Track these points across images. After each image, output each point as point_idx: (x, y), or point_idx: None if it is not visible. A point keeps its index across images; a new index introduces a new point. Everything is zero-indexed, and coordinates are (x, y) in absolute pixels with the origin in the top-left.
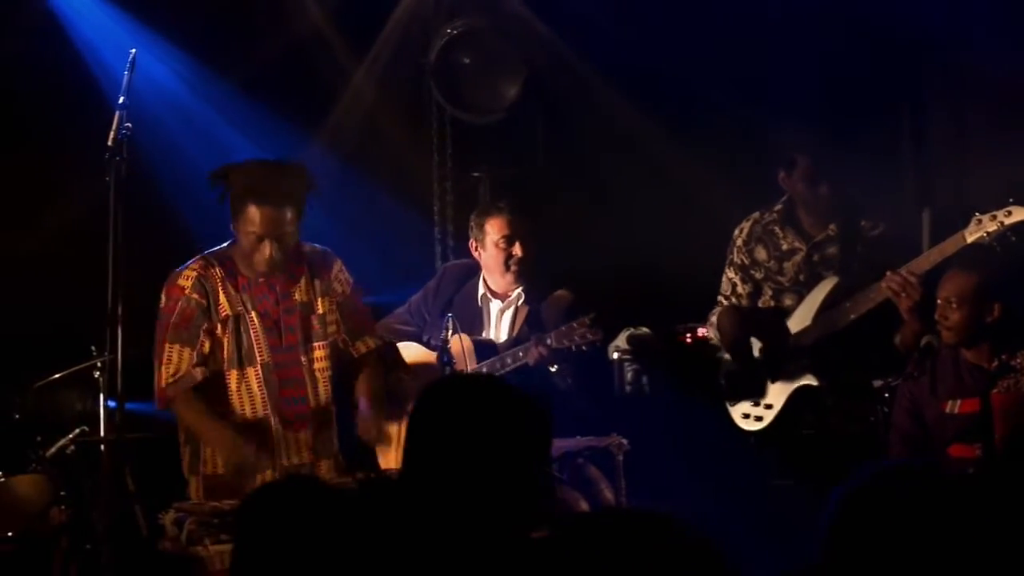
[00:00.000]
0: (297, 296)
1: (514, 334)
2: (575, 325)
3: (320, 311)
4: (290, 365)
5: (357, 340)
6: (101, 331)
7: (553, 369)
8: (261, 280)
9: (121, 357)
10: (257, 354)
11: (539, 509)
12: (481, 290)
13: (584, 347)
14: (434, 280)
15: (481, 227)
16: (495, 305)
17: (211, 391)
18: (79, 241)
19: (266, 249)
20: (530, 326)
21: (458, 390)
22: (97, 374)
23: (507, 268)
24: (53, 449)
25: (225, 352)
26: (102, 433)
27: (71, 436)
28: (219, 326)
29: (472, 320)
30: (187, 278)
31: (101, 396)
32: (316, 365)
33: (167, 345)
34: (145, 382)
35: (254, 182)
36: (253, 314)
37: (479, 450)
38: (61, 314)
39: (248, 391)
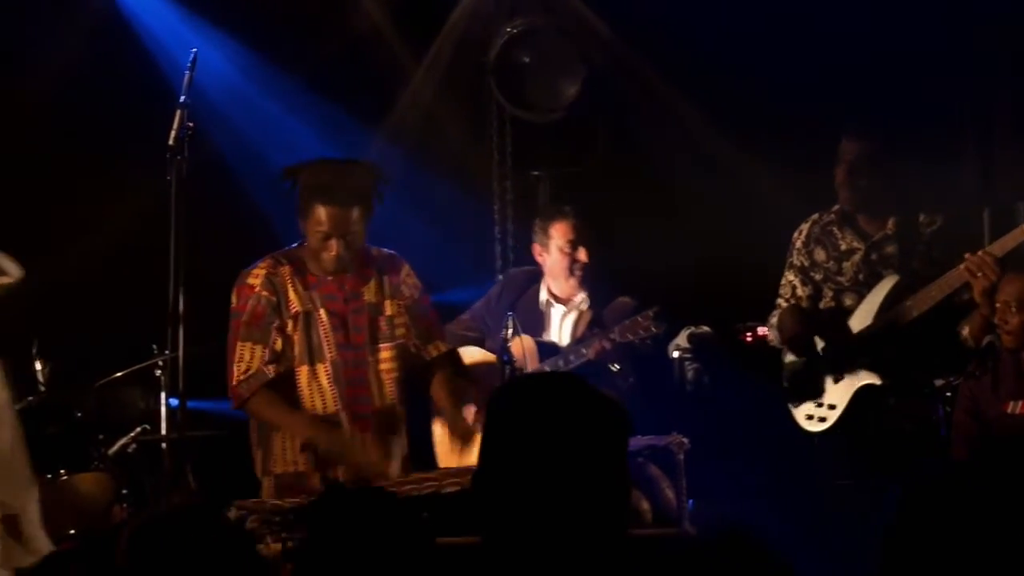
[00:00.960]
0: (366, 296)
1: (577, 338)
2: (639, 319)
3: (388, 313)
4: (356, 364)
5: (428, 344)
6: (163, 330)
7: (615, 368)
8: (330, 279)
9: (182, 355)
10: (326, 351)
11: (625, 508)
12: (544, 295)
13: (648, 341)
14: (496, 287)
15: (546, 231)
16: (557, 310)
17: (283, 388)
18: (141, 239)
19: (333, 247)
20: (593, 331)
21: (540, 388)
22: (159, 372)
23: (571, 273)
24: (115, 447)
25: (296, 349)
26: (163, 431)
27: (133, 434)
28: (289, 323)
29: (535, 325)
30: (256, 276)
31: (162, 395)
32: (382, 366)
33: (239, 344)
34: (206, 380)
35: (321, 181)
36: (322, 311)
37: (562, 449)
38: (123, 313)
39: (319, 387)
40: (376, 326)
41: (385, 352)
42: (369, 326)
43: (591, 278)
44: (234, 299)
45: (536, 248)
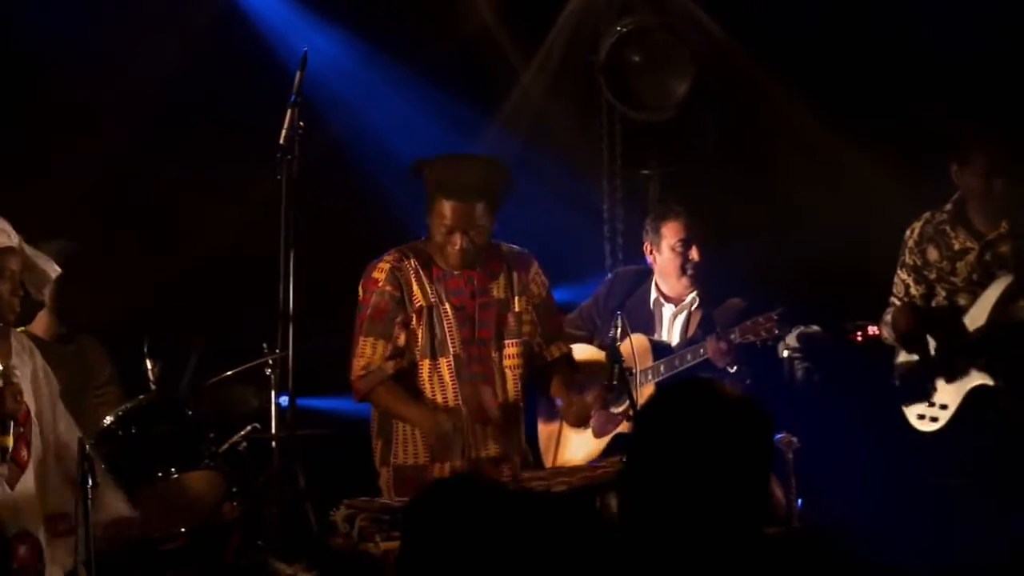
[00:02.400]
0: (495, 292)
1: (688, 338)
2: (761, 320)
3: (516, 309)
4: (481, 359)
5: (551, 344)
6: (273, 328)
7: (732, 370)
8: (457, 273)
9: (292, 354)
10: (450, 345)
11: (766, 511)
12: (654, 294)
13: (769, 342)
14: (604, 286)
15: (657, 230)
16: (668, 309)
17: (405, 381)
18: (253, 238)
19: (456, 242)
20: (704, 331)
21: (685, 394)
22: (269, 371)
23: (683, 272)
24: (225, 446)
25: (419, 342)
26: (273, 430)
27: (243, 433)
28: (413, 317)
29: (645, 324)
30: (381, 271)
31: (272, 393)
32: (507, 362)
33: (362, 338)
34: (317, 378)
35: (445, 176)
36: (447, 306)
37: (707, 455)
38: (234, 311)
39: (440, 381)
40: (503, 322)
41: (511, 348)
42: (496, 322)
43: (702, 278)
44: (360, 292)
45: (647, 247)
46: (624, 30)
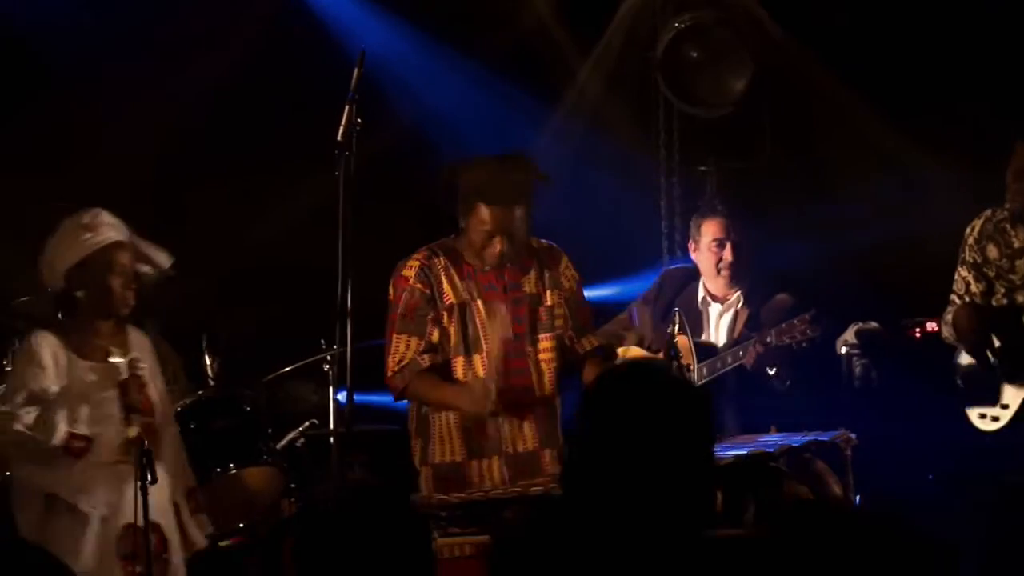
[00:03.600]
0: (526, 288)
1: (734, 337)
2: (795, 322)
3: (548, 303)
4: (515, 355)
5: (582, 337)
6: (331, 324)
7: (772, 372)
8: (488, 269)
9: (350, 350)
10: (483, 342)
11: (706, 503)
12: (701, 293)
13: (804, 344)
14: (654, 285)
15: (698, 228)
16: (715, 308)
17: (439, 378)
18: (311, 234)
19: (497, 245)
20: (750, 329)
21: (619, 380)
22: (326, 367)
23: (717, 272)
24: (283, 441)
25: (452, 340)
26: (331, 426)
27: (301, 429)
28: (444, 314)
29: (693, 323)
30: (410, 268)
31: (330, 389)
32: (541, 356)
33: (395, 336)
34: (375, 374)
35: (483, 180)
36: (479, 302)
37: (642, 441)
38: (292, 307)
39: (475, 378)
40: (536, 316)
41: (545, 342)
42: (529, 316)
43: (737, 277)
44: (391, 291)
45: (691, 244)
46: (682, 26)
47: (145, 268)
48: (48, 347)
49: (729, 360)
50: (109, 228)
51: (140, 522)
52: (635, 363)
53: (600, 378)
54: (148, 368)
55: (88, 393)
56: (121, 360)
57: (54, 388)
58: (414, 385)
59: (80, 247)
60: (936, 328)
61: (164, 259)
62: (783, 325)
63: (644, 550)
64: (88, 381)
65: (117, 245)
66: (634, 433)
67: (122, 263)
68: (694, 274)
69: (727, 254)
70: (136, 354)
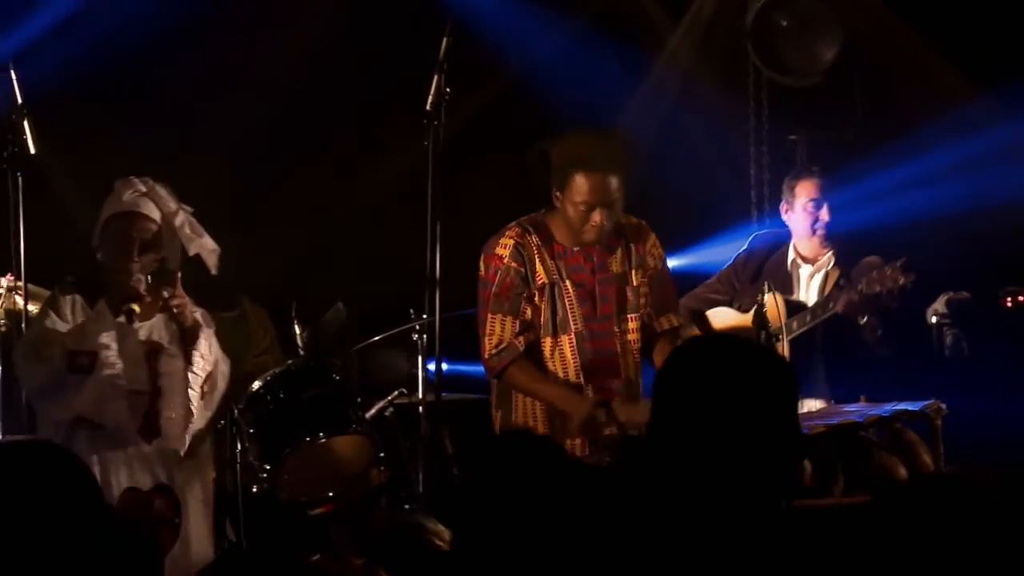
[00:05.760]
0: (614, 267)
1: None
2: (886, 269)
3: (634, 283)
4: (603, 336)
5: (662, 316)
6: (420, 293)
7: (862, 321)
8: (576, 249)
9: (439, 320)
10: (571, 323)
11: (790, 475)
12: (791, 256)
13: (895, 292)
14: (743, 250)
15: (792, 190)
16: (805, 270)
17: (529, 357)
18: (401, 203)
19: (596, 217)
20: (839, 285)
21: (700, 352)
22: (415, 336)
23: (813, 232)
24: (372, 411)
25: (541, 319)
26: (420, 395)
27: (390, 398)
28: (536, 294)
29: (783, 286)
30: (504, 247)
31: (419, 358)
32: (629, 336)
33: (490, 316)
34: (465, 343)
35: (580, 151)
36: (568, 283)
37: (724, 411)
38: (382, 276)
39: (562, 359)
40: (623, 296)
41: (632, 323)
42: (616, 297)
43: (834, 237)
44: (482, 268)
45: (783, 207)
46: None
47: (196, 248)
48: (67, 294)
49: (819, 311)
50: (130, 197)
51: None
52: (710, 337)
53: (674, 353)
54: (169, 342)
55: (94, 339)
56: (136, 324)
57: (62, 328)
58: (512, 370)
59: (104, 210)
60: None
61: (200, 245)
62: (874, 274)
63: (716, 524)
64: (97, 332)
65: (126, 215)
66: (706, 408)
67: (124, 233)
68: (783, 237)
69: (823, 214)
70: (156, 323)
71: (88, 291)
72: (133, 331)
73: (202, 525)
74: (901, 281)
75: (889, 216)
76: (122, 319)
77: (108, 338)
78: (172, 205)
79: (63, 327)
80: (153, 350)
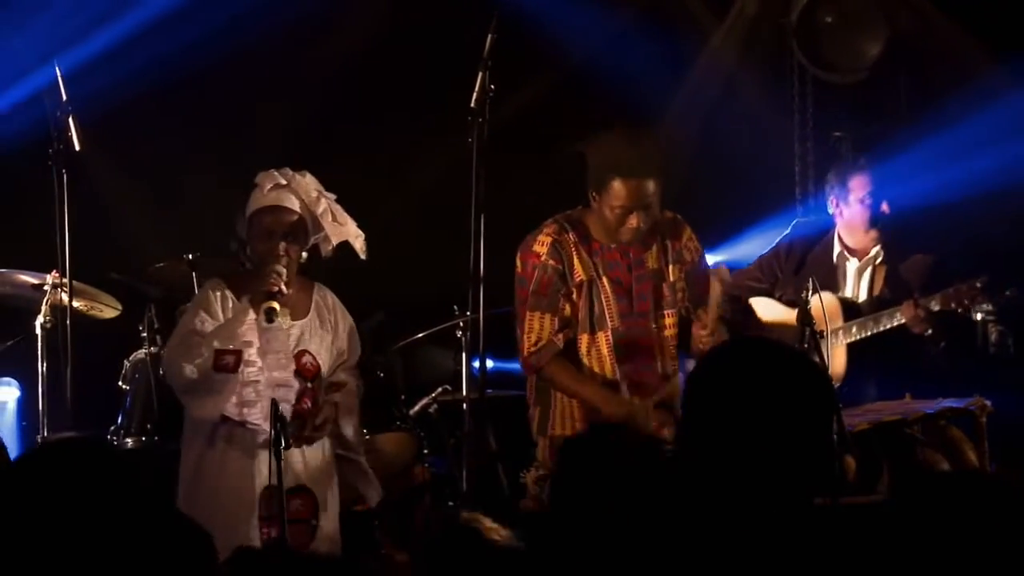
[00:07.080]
0: (649, 263)
1: (875, 294)
2: (965, 288)
3: (671, 279)
4: (640, 332)
5: (698, 308)
6: (464, 290)
7: (927, 333)
8: (613, 246)
9: (483, 316)
10: (608, 319)
11: (825, 473)
12: (837, 248)
13: (972, 311)
14: (785, 236)
15: (844, 184)
16: (852, 264)
17: (567, 354)
18: (445, 200)
19: (633, 221)
20: (890, 286)
21: (736, 354)
22: (459, 333)
23: (872, 225)
24: (416, 408)
25: (578, 316)
26: (464, 392)
27: (434, 395)
28: (575, 291)
29: (828, 279)
30: (542, 244)
31: (463, 355)
32: (666, 332)
33: (528, 313)
34: (507, 341)
35: (617, 156)
36: (604, 280)
37: (759, 413)
38: (425, 274)
39: (598, 355)
40: (660, 293)
41: (669, 319)
42: (653, 293)
43: (891, 230)
44: (519, 265)
45: (832, 200)
46: None
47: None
48: (217, 292)
49: (884, 321)
50: (271, 191)
51: (274, 482)
52: (744, 339)
53: (708, 354)
54: (317, 332)
55: (239, 337)
56: (286, 323)
57: (210, 327)
58: (551, 368)
59: (249, 205)
60: None
61: (344, 233)
62: (951, 291)
63: (742, 525)
64: (242, 331)
65: (268, 210)
66: (737, 411)
67: (267, 228)
68: (826, 227)
69: (884, 207)
70: (307, 323)
71: (236, 288)
72: (282, 330)
73: (334, 524)
74: (980, 303)
75: (933, 210)
76: (262, 318)
77: (252, 336)
78: (313, 194)
79: (211, 326)
80: (302, 351)
